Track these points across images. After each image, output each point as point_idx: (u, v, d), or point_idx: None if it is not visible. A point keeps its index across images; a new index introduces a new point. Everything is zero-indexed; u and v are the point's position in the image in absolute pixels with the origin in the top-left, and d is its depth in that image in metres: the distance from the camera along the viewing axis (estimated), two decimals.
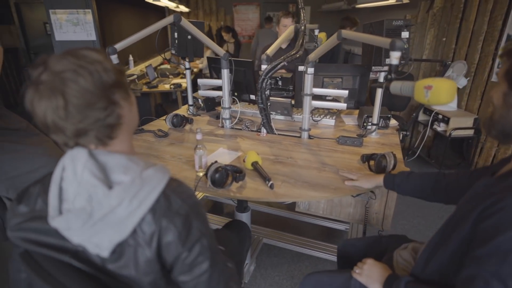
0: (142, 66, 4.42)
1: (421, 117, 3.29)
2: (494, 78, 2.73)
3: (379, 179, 1.25)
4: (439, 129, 3.02)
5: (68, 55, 0.60)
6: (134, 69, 3.97)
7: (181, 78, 4.55)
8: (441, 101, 0.82)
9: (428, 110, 3.17)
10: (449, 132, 2.86)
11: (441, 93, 0.81)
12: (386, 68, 1.60)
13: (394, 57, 0.97)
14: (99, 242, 0.61)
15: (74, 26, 2.82)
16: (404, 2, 3.13)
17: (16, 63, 5.56)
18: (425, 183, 1.14)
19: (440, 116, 3.00)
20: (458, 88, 3.03)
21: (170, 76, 4.58)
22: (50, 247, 0.65)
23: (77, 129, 0.61)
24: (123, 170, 0.65)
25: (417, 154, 3.34)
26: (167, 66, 5.11)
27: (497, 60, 2.68)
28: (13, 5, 5.22)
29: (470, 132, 2.91)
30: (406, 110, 3.48)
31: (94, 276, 0.64)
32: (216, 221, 2.15)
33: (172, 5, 4.28)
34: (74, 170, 0.62)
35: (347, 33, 1.23)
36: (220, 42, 5.57)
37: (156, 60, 5.22)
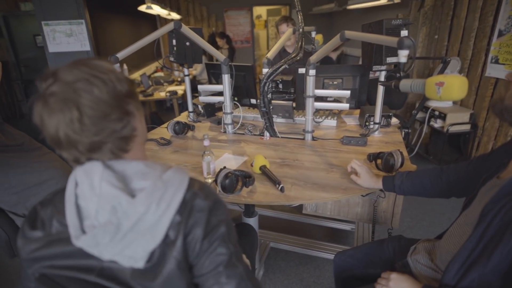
0: (136, 75, 4.40)
1: (418, 114, 3.32)
2: (487, 73, 2.78)
3: (378, 182, 1.22)
4: (436, 125, 3.06)
5: (79, 65, 0.58)
6: None
7: (176, 85, 4.54)
8: (453, 97, 0.83)
9: (424, 107, 3.21)
10: (446, 128, 2.89)
11: (453, 89, 0.82)
12: (385, 67, 1.62)
13: (403, 56, 0.98)
14: (132, 254, 0.59)
15: (67, 37, 2.79)
16: (395, 1, 3.17)
17: (7, 77, 5.49)
18: (425, 181, 1.13)
19: (437, 113, 3.04)
20: None
21: (165, 84, 4.57)
22: (74, 268, 0.63)
23: (91, 143, 0.59)
24: (142, 176, 0.63)
25: (415, 151, 3.37)
26: (161, 74, 5.09)
27: (490, 55, 2.73)
28: (1, 18, 5.16)
29: (467, 127, 2.95)
30: (403, 108, 3.51)
31: None
32: None
33: (164, 13, 4.27)
34: (91, 185, 0.60)
35: (351, 33, 1.24)
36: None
37: (149, 69, 5.20)
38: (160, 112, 5.35)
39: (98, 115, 0.57)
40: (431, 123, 3.12)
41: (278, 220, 2.39)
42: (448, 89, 0.82)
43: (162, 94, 3.91)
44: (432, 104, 3.10)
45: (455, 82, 0.81)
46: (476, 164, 1.01)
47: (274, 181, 1.27)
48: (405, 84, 0.95)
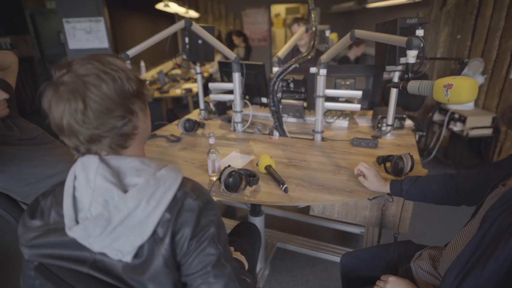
0: (153, 72, 4.47)
1: (436, 116, 3.21)
2: None
3: (386, 186, 1.19)
4: (455, 129, 2.95)
5: (93, 60, 0.60)
6: (146, 75, 4.02)
7: (192, 82, 4.59)
8: (462, 100, 0.79)
9: (443, 110, 3.10)
10: (466, 131, 2.78)
11: (462, 92, 0.78)
12: (400, 67, 1.57)
13: (411, 56, 0.94)
14: (120, 247, 0.60)
15: (87, 34, 2.87)
16: (416, 0, 3.07)
17: (32, 72, 5.71)
18: (434, 187, 1.09)
19: (456, 116, 2.93)
20: None
21: (181, 81, 4.62)
22: (68, 259, 0.65)
23: (91, 135, 0.60)
24: (136, 173, 0.64)
25: (433, 155, 3.26)
26: (177, 71, 5.15)
27: None
28: (29, 15, 5.37)
29: (489, 132, 2.82)
30: (421, 110, 3.40)
31: (115, 286, 0.64)
32: (228, 225, 2.14)
33: (182, 11, 4.32)
34: (86, 178, 0.62)
35: (361, 32, 1.21)
36: (230, 46, 5.59)
37: (167, 66, 5.28)
38: (176, 109, 5.42)
39: (101, 110, 0.59)
40: (450, 126, 3.01)
41: (286, 220, 2.37)
42: (457, 92, 0.78)
43: (177, 91, 3.95)
44: (452, 106, 2.99)
45: (464, 85, 0.77)
46: (487, 172, 0.96)
47: (278, 181, 1.25)
48: (413, 86, 0.91)
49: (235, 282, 0.66)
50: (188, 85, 4.25)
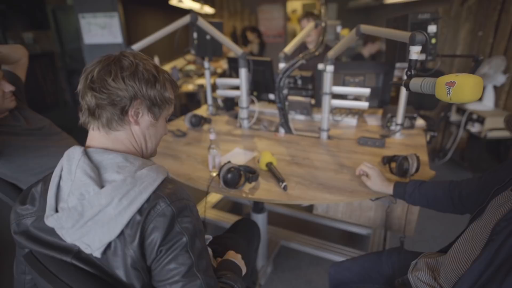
0: (167, 68, 4.51)
1: (454, 117, 3.09)
2: None
3: (389, 187, 1.14)
4: (473, 129, 2.83)
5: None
6: None
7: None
8: (464, 99, 0.74)
9: (461, 110, 2.98)
10: (485, 133, 2.66)
11: (464, 90, 0.73)
12: None
13: (414, 52, 0.90)
14: (90, 242, 0.60)
15: (101, 30, 2.92)
16: None
17: (53, 66, 5.88)
18: (438, 193, 1.04)
19: (475, 116, 2.81)
20: (496, 86, 2.82)
21: (194, 77, 4.65)
22: (54, 247, 0.66)
23: (96, 104, 0.65)
24: (117, 169, 0.64)
25: (448, 156, 3.15)
26: (191, 66, 5.18)
27: None
28: (50, 11, 5.52)
29: (509, 133, 2.69)
30: (438, 109, 3.29)
31: (98, 277, 0.64)
32: (233, 221, 2.14)
33: (196, 7, 4.32)
34: (69, 169, 0.63)
35: (366, 28, 1.17)
36: (245, 42, 5.56)
37: (181, 61, 5.31)
38: (190, 104, 5.46)
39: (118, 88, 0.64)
40: (468, 127, 2.89)
41: (291, 218, 2.34)
42: (459, 90, 0.73)
43: (190, 87, 3.98)
44: (470, 106, 2.87)
45: (467, 83, 0.72)
46: (487, 177, 0.91)
47: (278, 178, 1.24)
48: (415, 83, 0.87)
49: None
50: (201, 81, 4.27)
